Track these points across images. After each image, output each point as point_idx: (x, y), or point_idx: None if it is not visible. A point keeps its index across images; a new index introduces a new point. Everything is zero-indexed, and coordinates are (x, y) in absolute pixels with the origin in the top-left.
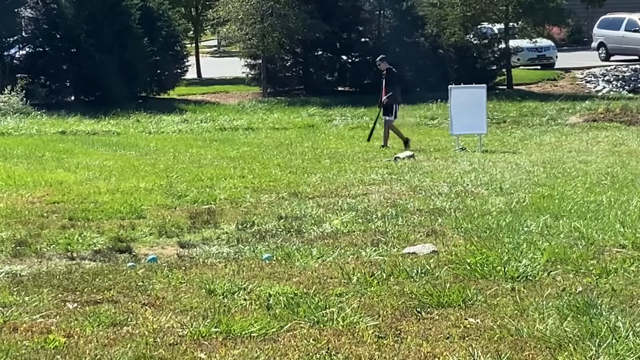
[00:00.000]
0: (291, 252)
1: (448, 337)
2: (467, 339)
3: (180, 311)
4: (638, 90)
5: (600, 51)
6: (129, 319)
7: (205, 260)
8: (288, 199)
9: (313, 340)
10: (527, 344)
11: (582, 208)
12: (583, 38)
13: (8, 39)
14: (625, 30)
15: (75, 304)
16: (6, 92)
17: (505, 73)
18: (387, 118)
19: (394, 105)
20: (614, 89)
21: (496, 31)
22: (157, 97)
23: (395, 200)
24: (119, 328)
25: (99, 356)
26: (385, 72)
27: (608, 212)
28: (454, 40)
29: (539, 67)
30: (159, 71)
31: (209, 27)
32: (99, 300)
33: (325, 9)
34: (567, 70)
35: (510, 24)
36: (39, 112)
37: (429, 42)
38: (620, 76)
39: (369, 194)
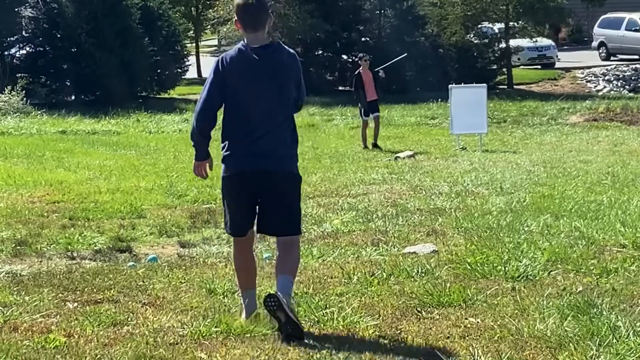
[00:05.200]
0: None
1: (448, 337)
2: (467, 338)
3: (181, 311)
4: (638, 90)
5: (600, 51)
6: (129, 319)
7: (206, 260)
8: None
9: (313, 339)
10: (528, 344)
11: (582, 208)
12: (583, 37)
13: (8, 39)
14: (626, 29)
15: (76, 304)
16: (6, 91)
17: (506, 72)
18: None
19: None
20: (615, 89)
21: (496, 31)
22: (157, 96)
23: (395, 199)
24: (119, 328)
25: (99, 356)
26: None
27: (608, 212)
28: (454, 40)
29: (539, 66)
30: (159, 71)
31: (209, 26)
32: (99, 300)
33: (325, 8)
34: (567, 69)
35: (511, 23)
36: (39, 112)
37: (430, 41)
38: (621, 76)
39: (369, 193)
